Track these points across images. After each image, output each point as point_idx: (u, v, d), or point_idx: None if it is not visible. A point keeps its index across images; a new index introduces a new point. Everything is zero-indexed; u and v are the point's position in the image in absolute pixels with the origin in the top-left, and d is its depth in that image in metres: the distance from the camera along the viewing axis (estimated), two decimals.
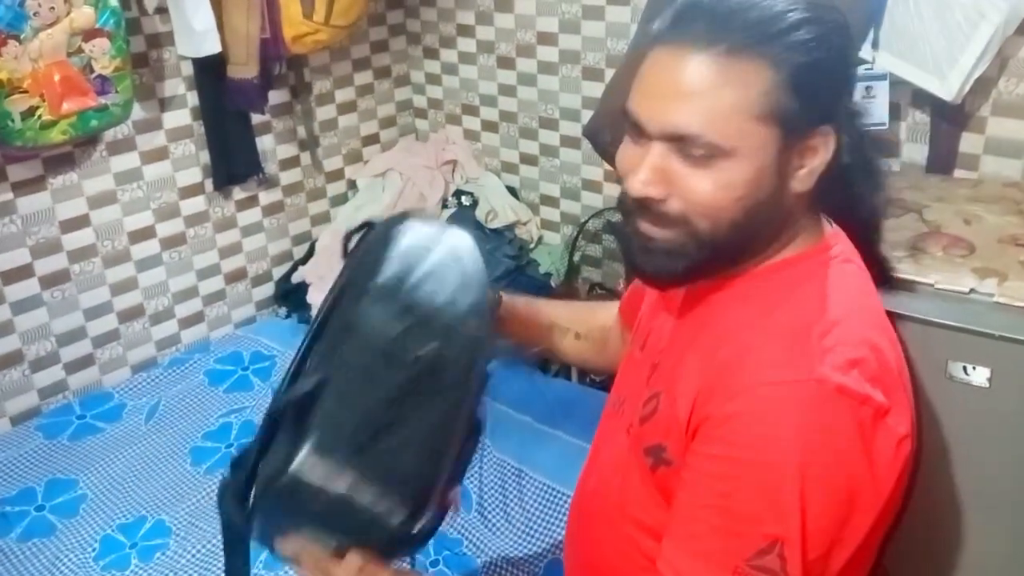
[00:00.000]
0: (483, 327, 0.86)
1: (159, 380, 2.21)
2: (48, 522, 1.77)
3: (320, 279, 2.40)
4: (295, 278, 2.51)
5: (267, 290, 2.58)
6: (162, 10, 2.07)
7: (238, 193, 2.43)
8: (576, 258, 2.51)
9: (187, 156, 2.28)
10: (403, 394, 0.81)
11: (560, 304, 1.31)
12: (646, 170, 0.79)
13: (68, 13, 1.75)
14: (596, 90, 2.28)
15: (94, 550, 1.69)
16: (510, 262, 2.46)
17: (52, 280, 2.10)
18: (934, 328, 1.12)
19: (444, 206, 2.61)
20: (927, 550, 1.19)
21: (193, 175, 2.31)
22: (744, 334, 0.81)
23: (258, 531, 0.84)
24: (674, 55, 0.78)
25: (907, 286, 1.21)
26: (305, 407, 0.79)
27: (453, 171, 2.70)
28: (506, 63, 2.53)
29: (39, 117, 1.78)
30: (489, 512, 1.74)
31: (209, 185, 2.34)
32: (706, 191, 0.78)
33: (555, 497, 1.75)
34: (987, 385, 1.11)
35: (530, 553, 1.66)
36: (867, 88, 1.63)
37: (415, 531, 0.83)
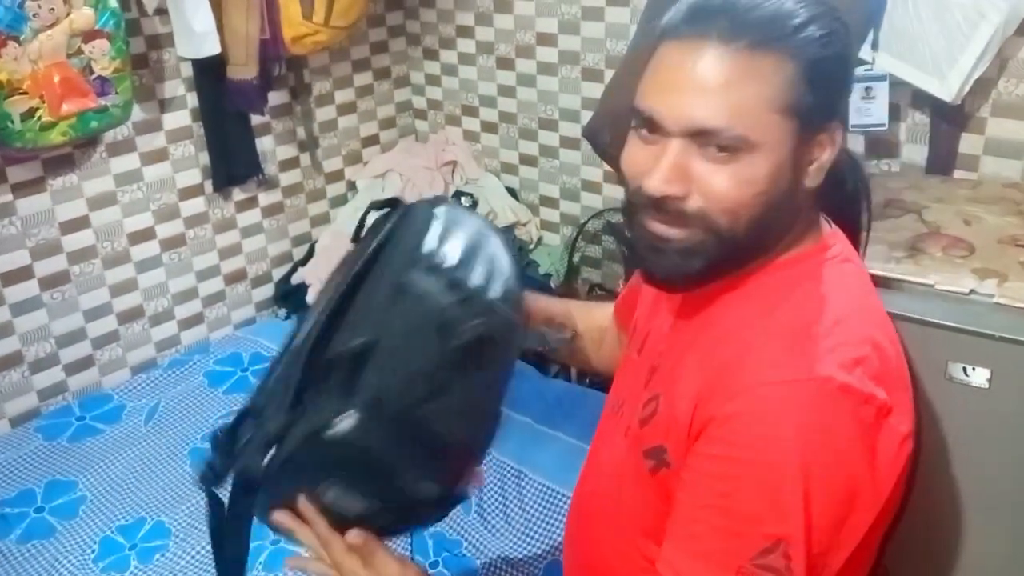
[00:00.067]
0: (518, 312, 0.89)
1: (159, 381, 2.21)
2: (47, 524, 1.76)
3: (320, 280, 2.40)
4: (295, 279, 2.52)
5: (267, 291, 2.58)
6: (162, 11, 2.07)
7: (238, 194, 2.43)
8: (576, 259, 2.51)
9: (187, 157, 2.28)
10: (449, 366, 0.83)
11: (557, 301, 1.31)
12: (666, 167, 0.78)
13: (68, 14, 1.75)
14: (596, 91, 2.28)
15: (93, 551, 1.69)
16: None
17: (52, 281, 2.10)
18: (934, 329, 1.12)
19: None
20: (927, 550, 1.19)
21: (193, 176, 2.31)
22: (744, 334, 0.81)
23: (270, 492, 0.84)
24: (692, 50, 0.77)
25: (907, 287, 1.21)
26: (355, 363, 0.79)
27: (453, 172, 2.71)
28: (505, 64, 2.53)
29: (39, 118, 1.78)
30: (489, 513, 1.74)
31: (209, 186, 2.34)
32: (728, 187, 0.77)
33: (555, 498, 1.75)
34: (987, 386, 1.11)
35: (529, 554, 1.66)
36: (867, 89, 1.63)
37: (443, 502, 0.86)
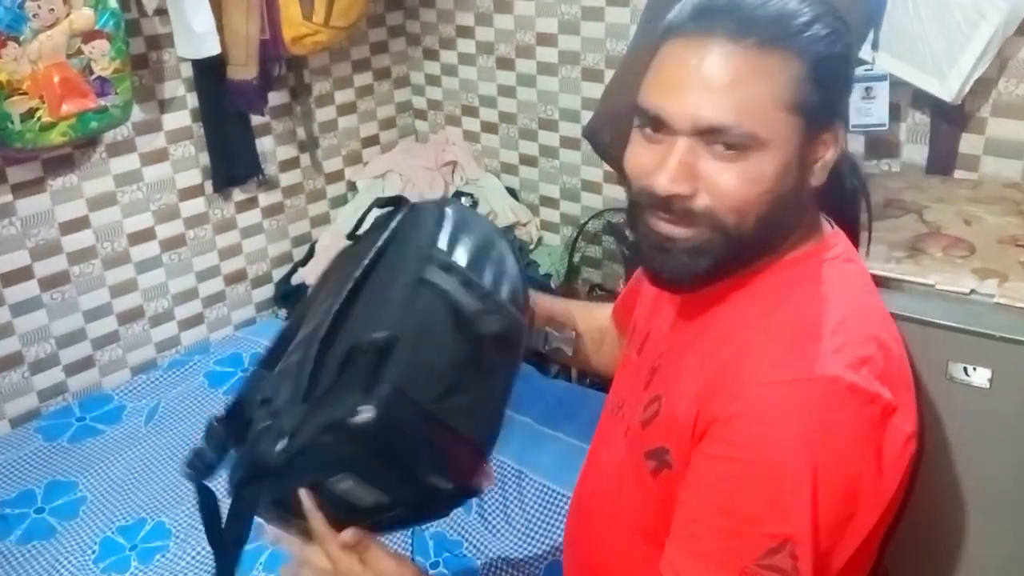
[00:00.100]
0: (524, 314, 0.91)
1: (159, 382, 2.21)
2: (48, 524, 1.76)
3: None
4: (295, 280, 2.52)
5: (267, 292, 2.58)
6: (161, 12, 2.07)
7: (238, 195, 2.42)
8: (576, 259, 2.51)
9: (187, 158, 2.28)
10: (467, 363, 0.84)
11: (558, 300, 1.30)
12: (673, 166, 0.77)
13: (67, 15, 1.75)
14: (596, 91, 2.28)
15: (94, 552, 1.69)
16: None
17: (52, 282, 2.10)
18: (934, 329, 1.12)
19: None
20: (927, 550, 1.19)
21: (193, 177, 2.31)
22: (745, 334, 0.81)
23: (281, 481, 0.84)
24: (699, 47, 0.77)
25: (907, 287, 1.21)
26: (378, 357, 0.79)
27: (453, 172, 2.70)
28: (505, 64, 2.53)
29: (38, 119, 1.78)
30: (489, 513, 1.74)
31: (209, 187, 2.34)
32: (735, 185, 0.77)
33: (555, 498, 1.75)
34: (988, 386, 1.11)
35: (530, 555, 1.66)
36: (867, 89, 1.63)
37: (453, 498, 0.87)
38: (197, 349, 2.37)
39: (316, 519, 0.85)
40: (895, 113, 1.74)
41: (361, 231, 0.97)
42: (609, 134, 1.84)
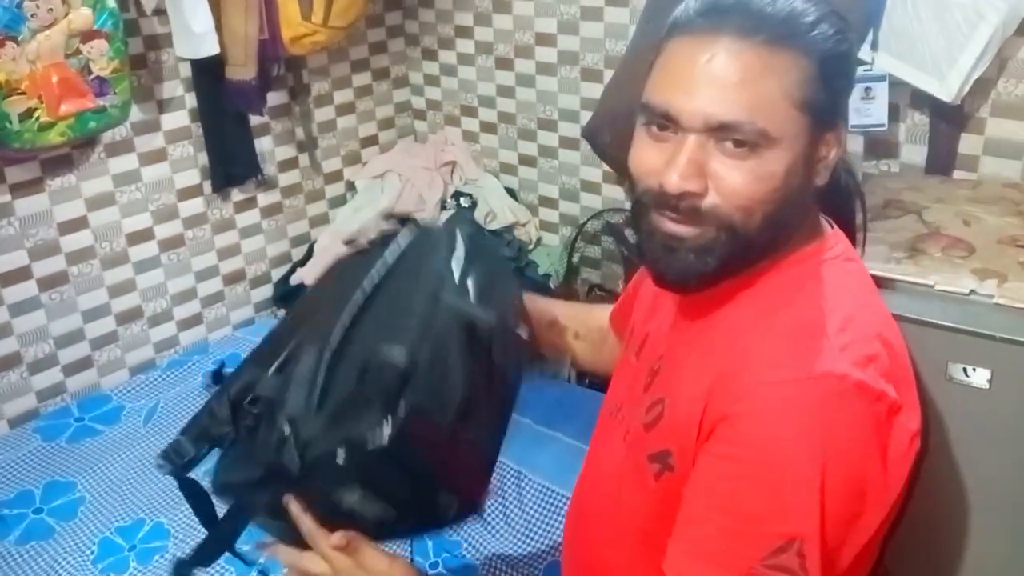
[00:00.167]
0: (527, 333, 0.94)
1: (158, 382, 2.21)
2: (46, 525, 1.76)
3: None
4: (294, 280, 2.51)
5: (266, 292, 2.57)
6: (160, 11, 2.07)
7: (236, 195, 2.42)
8: (575, 259, 2.51)
9: (185, 158, 2.27)
10: (480, 385, 0.84)
11: (559, 302, 1.30)
12: (683, 164, 0.77)
13: (66, 14, 1.75)
14: (595, 91, 2.28)
15: (92, 553, 1.69)
16: (509, 263, 2.46)
17: (50, 282, 2.09)
18: (934, 329, 1.12)
19: (443, 207, 2.61)
20: (927, 551, 1.19)
21: (191, 177, 2.30)
22: (750, 334, 0.81)
23: (284, 488, 0.84)
24: (708, 44, 0.76)
25: (907, 287, 1.21)
26: (398, 375, 0.79)
27: (452, 172, 2.70)
28: (504, 64, 2.53)
29: (37, 119, 1.77)
30: (488, 514, 1.74)
31: (207, 187, 2.34)
32: (745, 182, 0.76)
33: (554, 499, 1.75)
34: (987, 387, 1.11)
35: (529, 555, 1.65)
36: (866, 89, 1.63)
37: (458, 515, 0.88)
38: (196, 349, 2.37)
39: (305, 521, 0.85)
40: (894, 113, 1.74)
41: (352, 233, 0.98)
42: (608, 134, 1.84)
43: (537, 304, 1.17)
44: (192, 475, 0.90)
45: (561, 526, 1.61)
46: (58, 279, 2.11)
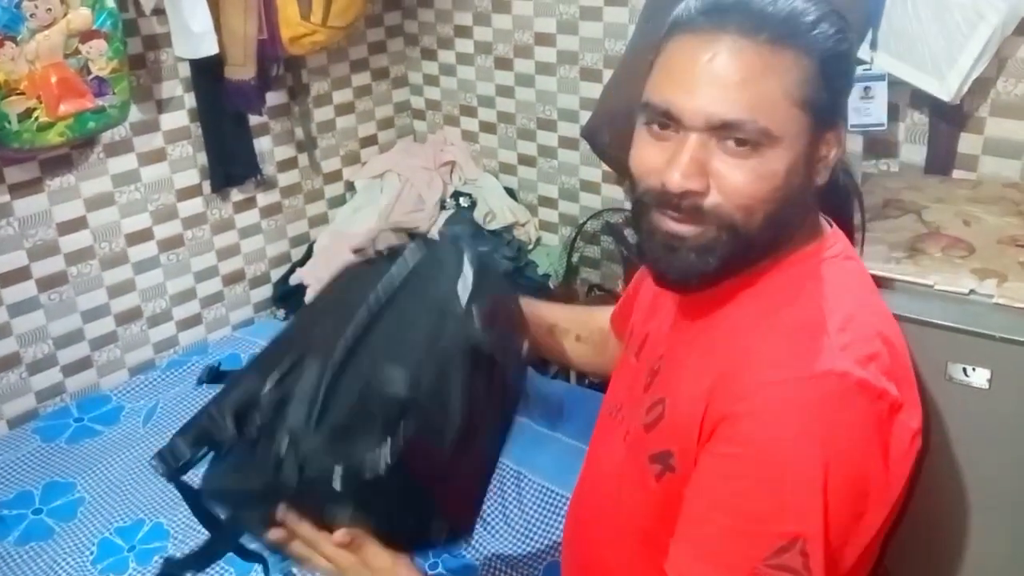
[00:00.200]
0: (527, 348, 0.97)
1: (157, 382, 2.21)
2: (46, 525, 1.76)
3: (319, 281, 2.39)
4: (293, 280, 2.51)
5: (265, 292, 2.57)
6: (159, 11, 2.06)
7: (236, 195, 2.42)
8: (574, 259, 2.51)
9: (185, 158, 2.27)
10: (479, 415, 0.85)
11: (559, 306, 1.30)
12: (685, 162, 0.77)
13: (65, 14, 1.75)
14: (594, 91, 2.28)
15: (92, 553, 1.69)
16: (508, 263, 2.46)
17: (49, 282, 2.09)
18: (934, 329, 1.12)
19: (442, 207, 2.60)
20: (927, 550, 1.19)
21: (191, 177, 2.30)
22: (752, 333, 0.81)
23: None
24: (710, 42, 0.76)
25: (906, 287, 1.20)
26: (398, 404, 0.79)
27: (451, 172, 2.70)
28: (504, 64, 2.52)
29: (36, 119, 1.77)
30: (488, 514, 1.74)
31: (207, 187, 2.33)
32: (747, 181, 0.76)
33: (554, 499, 1.75)
34: (987, 386, 1.11)
35: (529, 555, 1.65)
36: (865, 89, 1.63)
37: (447, 540, 0.90)
38: (195, 349, 2.37)
39: (303, 528, 0.85)
40: (894, 113, 1.74)
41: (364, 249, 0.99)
42: (608, 134, 1.84)
43: (537, 309, 1.17)
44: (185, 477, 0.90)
45: (560, 526, 1.61)
46: (57, 279, 2.10)
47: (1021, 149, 1.66)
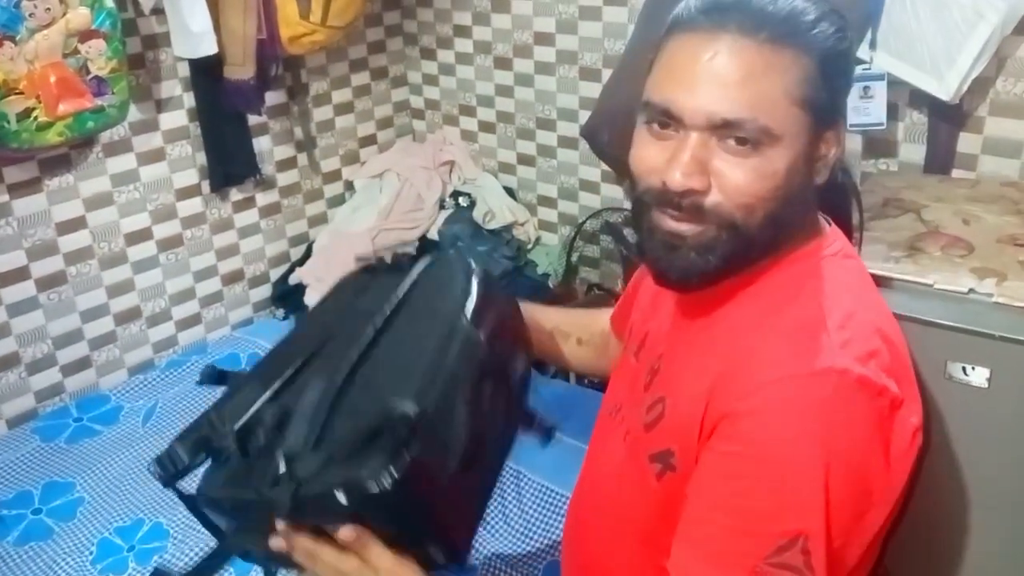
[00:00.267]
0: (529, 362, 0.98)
1: (156, 382, 2.21)
2: (45, 525, 1.76)
3: (318, 280, 2.39)
4: (292, 279, 2.51)
5: (264, 292, 2.57)
6: (158, 11, 2.06)
7: (235, 194, 2.42)
8: (574, 259, 2.51)
9: (184, 157, 2.27)
10: (482, 439, 0.85)
11: (559, 310, 1.30)
12: (686, 161, 0.77)
13: (64, 14, 1.75)
14: (594, 90, 2.28)
15: (91, 553, 1.69)
16: (508, 263, 2.46)
17: (48, 282, 2.09)
18: (933, 328, 1.12)
19: (442, 207, 2.60)
20: (927, 550, 1.19)
21: (190, 176, 2.30)
22: (753, 332, 0.81)
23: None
24: (710, 41, 0.76)
25: (906, 286, 1.20)
26: (405, 425, 0.78)
27: (451, 172, 2.70)
28: (503, 64, 2.52)
29: (35, 118, 1.77)
30: (487, 514, 1.72)
31: (206, 186, 2.33)
32: (748, 180, 0.76)
33: (553, 499, 1.75)
34: (986, 385, 1.11)
35: (528, 555, 1.65)
36: (865, 88, 1.63)
37: (444, 564, 0.88)
38: (194, 349, 2.37)
39: (301, 540, 0.83)
40: (893, 112, 1.74)
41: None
42: (607, 133, 1.84)
43: (537, 313, 1.17)
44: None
45: (560, 526, 1.61)
46: (56, 279, 2.10)
47: (1020, 148, 1.67)
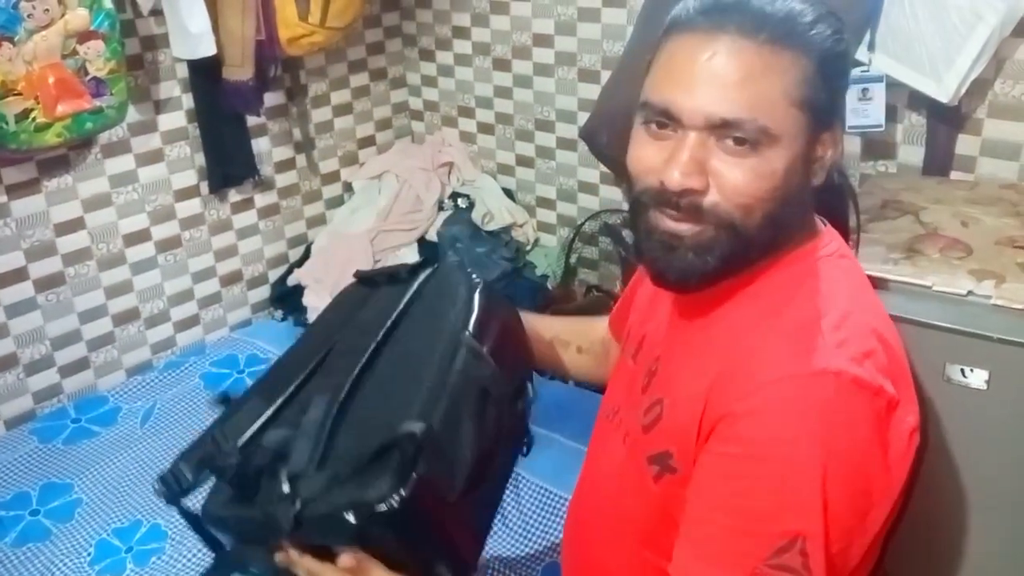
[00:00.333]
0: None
1: (154, 383, 2.20)
2: (43, 527, 1.76)
3: (316, 282, 2.39)
4: (291, 281, 2.51)
5: (263, 293, 2.57)
6: (157, 12, 2.06)
7: (233, 195, 2.42)
8: (572, 260, 2.51)
9: (182, 158, 2.27)
10: (487, 457, 0.85)
11: (558, 318, 1.30)
12: (685, 161, 0.77)
13: (62, 15, 1.75)
14: (592, 92, 2.28)
15: (89, 555, 1.68)
16: (506, 264, 2.46)
17: (47, 283, 2.09)
18: (932, 330, 1.12)
19: (440, 208, 2.60)
20: (927, 551, 1.19)
21: (188, 177, 2.30)
22: (751, 333, 0.81)
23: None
24: (709, 42, 0.76)
25: (904, 288, 1.21)
26: (411, 445, 0.77)
27: (449, 173, 2.70)
28: (502, 65, 2.52)
29: (33, 119, 1.77)
30: None
31: (204, 187, 2.33)
32: (746, 180, 0.76)
33: (552, 500, 1.74)
34: (985, 387, 1.11)
35: (527, 556, 1.65)
36: (863, 90, 1.63)
37: None
38: (193, 350, 2.37)
39: (305, 561, 0.83)
40: (891, 114, 1.74)
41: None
42: (606, 135, 1.84)
43: (536, 322, 1.16)
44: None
45: (559, 527, 1.61)
46: (55, 280, 2.10)
47: (1019, 150, 1.67)
